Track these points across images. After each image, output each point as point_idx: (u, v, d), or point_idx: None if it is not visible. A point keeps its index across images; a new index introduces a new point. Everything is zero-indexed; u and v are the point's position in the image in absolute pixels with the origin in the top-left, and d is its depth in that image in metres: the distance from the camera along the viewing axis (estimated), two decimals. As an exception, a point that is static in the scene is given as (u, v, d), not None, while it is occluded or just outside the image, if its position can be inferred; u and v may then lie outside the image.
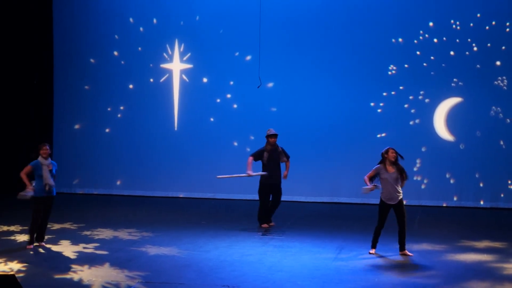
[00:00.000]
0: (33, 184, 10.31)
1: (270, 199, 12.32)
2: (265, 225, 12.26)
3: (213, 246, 10.57)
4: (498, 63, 14.75)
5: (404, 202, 10.08)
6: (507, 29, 14.72)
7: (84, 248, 10.39)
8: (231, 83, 15.82)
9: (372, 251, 10.17)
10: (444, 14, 14.90)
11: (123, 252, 10.14)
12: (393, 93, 15.17)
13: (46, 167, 10.33)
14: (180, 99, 15.99)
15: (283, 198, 12.55)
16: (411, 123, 15.13)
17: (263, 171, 12.25)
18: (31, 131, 16.30)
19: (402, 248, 10.09)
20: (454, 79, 14.92)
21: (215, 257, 9.80)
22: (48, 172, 10.33)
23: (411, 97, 15.07)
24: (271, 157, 12.22)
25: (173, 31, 15.97)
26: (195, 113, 15.95)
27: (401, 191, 10.01)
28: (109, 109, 16.30)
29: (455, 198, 14.94)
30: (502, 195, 14.81)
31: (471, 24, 14.79)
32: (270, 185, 12.22)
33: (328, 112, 15.35)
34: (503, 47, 14.71)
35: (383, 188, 10.00)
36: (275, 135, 12.23)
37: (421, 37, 14.99)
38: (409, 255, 9.95)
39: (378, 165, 10.04)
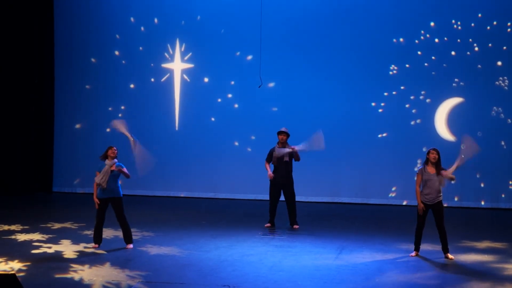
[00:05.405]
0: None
1: (282, 198, 12.30)
2: (267, 225, 12.26)
3: (213, 246, 10.57)
4: (499, 63, 14.74)
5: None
6: (508, 29, 14.71)
7: (85, 247, 10.39)
8: (232, 83, 15.82)
9: (413, 253, 9.97)
10: (445, 14, 14.89)
11: (124, 252, 10.14)
12: (394, 93, 15.17)
13: (108, 167, 10.26)
14: (181, 99, 15.99)
15: (283, 198, 12.53)
16: (412, 123, 15.12)
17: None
18: (32, 131, 16.31)
19: (444, 251, 9.92)
20: (455, 79, 14.92)
21: (216, 257, 9.80)
22: (107, 173, 10.22)
23: (412, 97, 15.07)
24: (277, 156, 12.21)
25: (174, 31, 15.98)
26: (196, 113, 15.96)
27: (441, 193, 9.85)
28: (110, 108, 16.31)
29: (456, 199, 14.93)
30: (503, 196, 14.80)
31: (472, 24, 14.79)
32: (274, 184, 12.21)
33: (329, 112, 15.35)
34: (504, 47, 14.71)
35: (423, 188, 9.90)
36: (281, 132, 12.22)
37: (422, 37, 14.99)
38: (451, 259, 9.79)
39: (420, 167, 9.96)
